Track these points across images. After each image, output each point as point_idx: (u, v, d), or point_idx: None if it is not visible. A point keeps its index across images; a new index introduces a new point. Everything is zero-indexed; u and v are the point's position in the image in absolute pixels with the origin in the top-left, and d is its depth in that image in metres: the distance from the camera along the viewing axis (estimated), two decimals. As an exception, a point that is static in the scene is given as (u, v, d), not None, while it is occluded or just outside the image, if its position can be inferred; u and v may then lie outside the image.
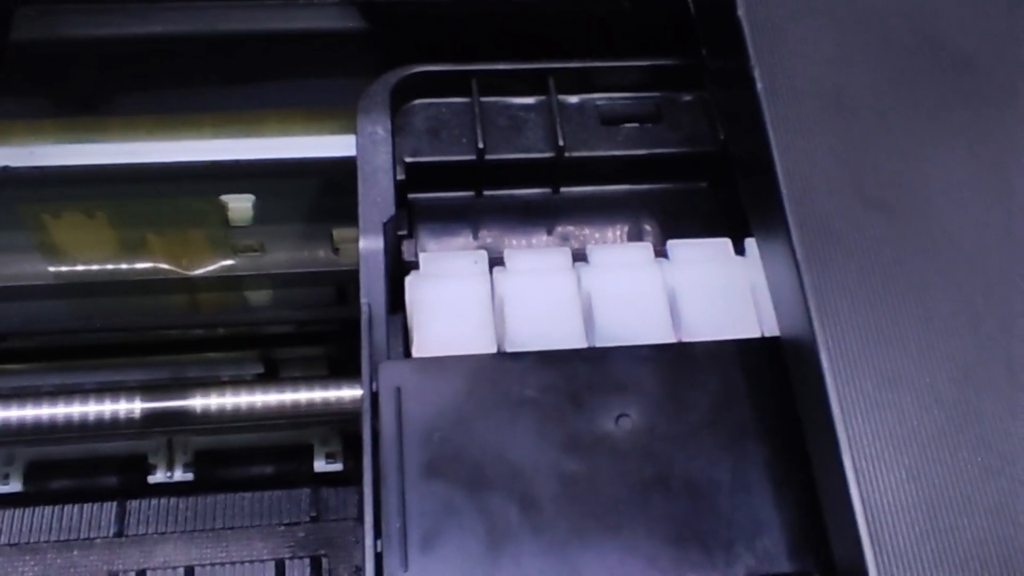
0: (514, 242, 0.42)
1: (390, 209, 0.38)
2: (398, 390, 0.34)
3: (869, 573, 0.28)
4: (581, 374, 0.35)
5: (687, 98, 0.44)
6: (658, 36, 0.44)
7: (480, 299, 0.38)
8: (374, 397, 0.34)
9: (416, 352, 0.36)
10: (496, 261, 0.40)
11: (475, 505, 0.32)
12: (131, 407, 0.47)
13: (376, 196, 0.39)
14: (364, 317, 0.36)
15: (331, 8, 0.46)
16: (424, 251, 0.40)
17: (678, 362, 0.36)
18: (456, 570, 0.31)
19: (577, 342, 0.37)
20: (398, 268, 0.39)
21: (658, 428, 0.34)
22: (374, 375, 0.34)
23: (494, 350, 0.36)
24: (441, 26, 0.45)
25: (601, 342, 0.37)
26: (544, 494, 0.33)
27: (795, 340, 0.33)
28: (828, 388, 0.31)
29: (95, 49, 0.46)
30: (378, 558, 0.31)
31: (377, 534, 0.32)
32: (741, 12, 0.37)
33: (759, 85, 0.36)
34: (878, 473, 0.30)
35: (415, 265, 0.39)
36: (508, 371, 0.35)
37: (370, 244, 0.38)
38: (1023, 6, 0.38)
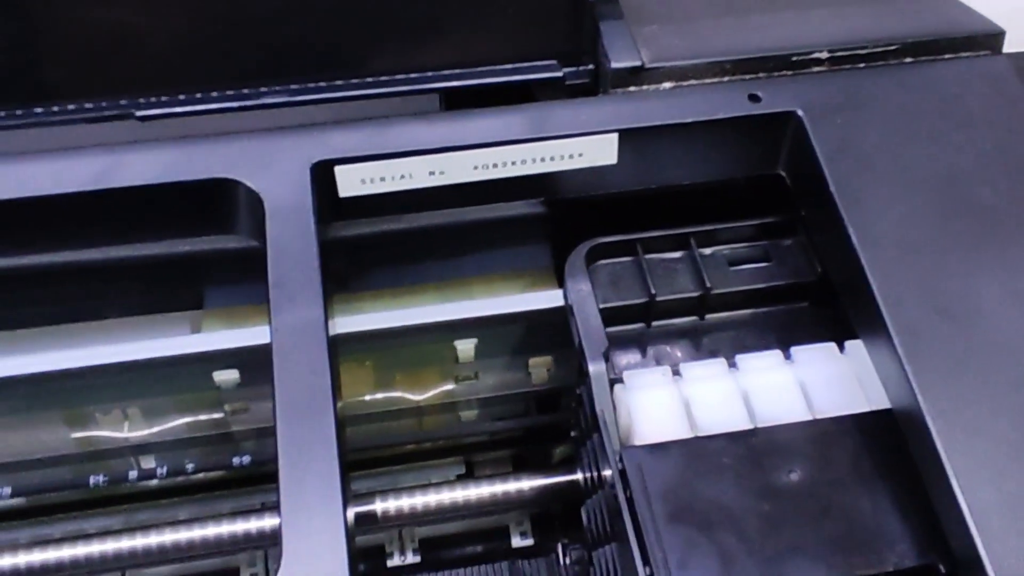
0: (679, 354, 0.58)
1: (603, 343, 0.55)
2: (639, 466, 0.50)
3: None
4: (757, 445, 0.51)
5: (787, 243, 0.62)
6: (760, 202, 0.62)
7: (673, 400, 0.54)
8: (622, 473, 0.50)
9: (636, 441, 0.53)
10: (674, 371, 0.57)
11: (707, 538, 0.48)
12: (368, 509, 0.62)
13: (592, 335, 0.55)
14: (601, 421, 0.52)
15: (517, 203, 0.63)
16: (618, 368, 0.57)
17: (819, 431, 0.52)
18: (704, 581, 0.47)
19: (744, 424, 0.53)
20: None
21: (817, 477, 0.50)
22: (618, 458, 0.51)
23: (690, 435, 0.53)
24: (601, 207, 0.62)
25: (760, 423, 0.53)
26: (750, 527, 0.49)
27: (906, 411, 0.50)
28: (933, 436, 0.47)
29: (348, 242, 0.63)
30: (650, 579, 0.47)
31: (645, 562, 0.47)
32: (832, 188, 0.55)
33: (853, 236, 0.53)
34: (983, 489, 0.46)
35: (620, 379, 0.56)
36: (708, 448, 0.51)
37: (596, 368, 0.54)
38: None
